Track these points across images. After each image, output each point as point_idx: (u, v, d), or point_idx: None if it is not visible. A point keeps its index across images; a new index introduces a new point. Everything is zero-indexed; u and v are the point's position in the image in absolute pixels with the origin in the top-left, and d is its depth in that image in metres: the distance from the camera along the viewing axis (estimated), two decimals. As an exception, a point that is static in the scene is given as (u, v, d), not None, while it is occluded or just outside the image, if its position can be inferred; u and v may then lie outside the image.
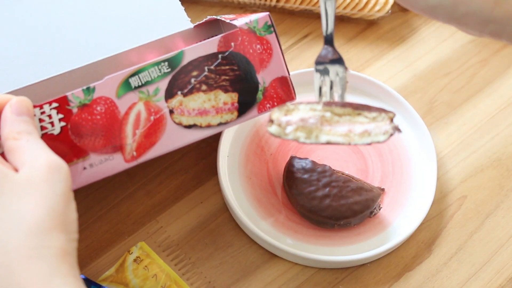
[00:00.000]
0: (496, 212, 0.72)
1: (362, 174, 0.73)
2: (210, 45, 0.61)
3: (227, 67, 0.62)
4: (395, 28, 0.85)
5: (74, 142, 0.58)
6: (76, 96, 0.58)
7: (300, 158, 0.70)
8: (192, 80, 0.61)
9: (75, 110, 0.58)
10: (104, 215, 0.70)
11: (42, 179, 0.47)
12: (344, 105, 0.58)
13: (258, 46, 0.63)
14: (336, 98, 0.62)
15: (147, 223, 0.70)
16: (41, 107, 0.56)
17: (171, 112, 0.61)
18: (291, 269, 0.68)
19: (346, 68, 0.62)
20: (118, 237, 0.69)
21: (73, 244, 0.46)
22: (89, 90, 0.58)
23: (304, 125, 0.57)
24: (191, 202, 0.72)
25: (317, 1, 0.82)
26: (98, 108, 0.59)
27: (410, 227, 0.69)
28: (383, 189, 0.71)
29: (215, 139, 0.75)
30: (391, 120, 0.56)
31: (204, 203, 0.72)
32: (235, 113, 0.63)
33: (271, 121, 0.59)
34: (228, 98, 0.63)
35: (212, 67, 0.61)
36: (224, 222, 0.71)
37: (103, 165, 0.60)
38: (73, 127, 0.58)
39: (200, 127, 0.62)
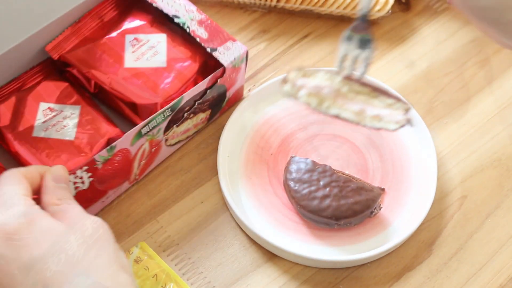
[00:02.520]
0: (496, 212, 0.72)
1: (362, 174, 0.73)
2: (202, 85, 0.69)
3: (210, 96, 0.71)
4: (395, 28, 0.85)
5: (98, 189, 0.66)
6: (101, 155, 0.64)
7: (300, 158, 0.70)
8: (185, 114, 0.70)
9: (100, 166, 0.64)
10: (104, 215, 0.70)
11: (97, 237, 0.52)
12: (364, 84, 0.56)
13: (234, 74, 0.72)
14: (356, 74, 0.60)
15: (147, 223, 0.70)
16: (74, 172, 0.62)
17: (166, 140, 0.71)
18: (291, 269, 0.68)
19: (373, 49, 0.61)
20: (118, 237, 0.69)
21: (135, 283, 0.52)
22: (112, 148, 0.64)
23: (318, 93, 0.57)
24: (191, 202, 0.72)
25: (317, 1, 0.82)
26: (117, 158, 0.66)
27: (410, 227, 0.68)
28: (383, 189, 0.71)
29: (215, 139, 0.75)
30: (406, 111, 0.55)
31: (204, 203, 0.72)
32: (206, 123, 0.75)
33: (286, 80, 0.58)
34: (204, 115, 0.73)
35: (200, 100, 0.70)
36: (224, 222, 0.71)
37: (114, 193, 0.70)
38: (97, 179, 0.65)
39: (182, 140, 0.74)
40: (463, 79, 0.81)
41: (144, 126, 0.66)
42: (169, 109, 0.67)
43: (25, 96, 0.70)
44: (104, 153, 0.64)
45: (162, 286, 0.65)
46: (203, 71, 0.72)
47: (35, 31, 0.69)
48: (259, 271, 0.68)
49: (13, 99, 0.70)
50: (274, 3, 0.83)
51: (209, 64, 0.73)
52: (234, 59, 0.70)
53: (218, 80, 0.70)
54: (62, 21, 0.71)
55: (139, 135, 0.66)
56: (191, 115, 0.71)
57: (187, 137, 0.74)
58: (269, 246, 0.68)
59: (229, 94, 0.74)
